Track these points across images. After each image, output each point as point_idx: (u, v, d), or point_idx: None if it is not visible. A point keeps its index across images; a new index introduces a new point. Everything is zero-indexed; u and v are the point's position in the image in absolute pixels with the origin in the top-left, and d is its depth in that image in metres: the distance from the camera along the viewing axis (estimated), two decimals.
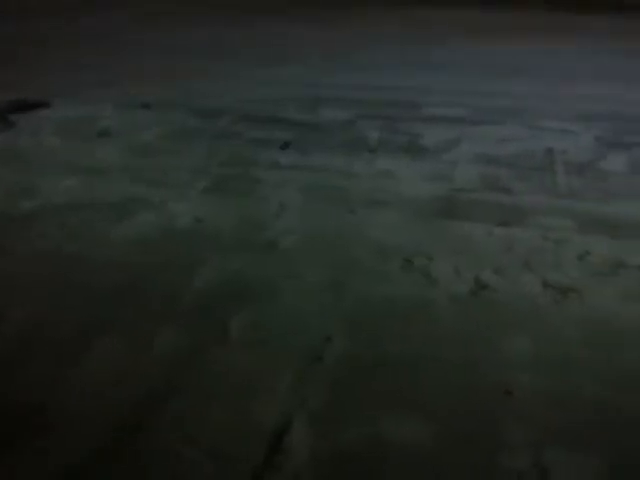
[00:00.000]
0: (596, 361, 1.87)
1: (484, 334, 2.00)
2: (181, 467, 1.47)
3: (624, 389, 1.75)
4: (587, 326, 2.03)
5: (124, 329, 1.98)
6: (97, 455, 1.49)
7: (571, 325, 2.04)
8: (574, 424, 1.62)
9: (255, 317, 2.07)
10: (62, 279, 2.28)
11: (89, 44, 7.25)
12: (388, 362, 1.86)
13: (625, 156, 3.37)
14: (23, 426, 1.59)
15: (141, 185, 3.12)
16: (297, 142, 3.74)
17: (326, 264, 2.41)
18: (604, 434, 1.59)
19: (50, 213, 2.81)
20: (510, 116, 4.07)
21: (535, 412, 1.67)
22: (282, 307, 2.13)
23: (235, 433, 1.57)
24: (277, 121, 4.16)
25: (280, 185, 3.14)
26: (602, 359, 1.88)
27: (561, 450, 1.54)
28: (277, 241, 2.58)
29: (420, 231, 2.69)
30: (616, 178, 3.12)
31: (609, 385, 1.77)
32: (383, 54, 6.28)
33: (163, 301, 2.15)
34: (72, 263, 2.40)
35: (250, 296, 2.19)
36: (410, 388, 1.76)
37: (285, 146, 3.68)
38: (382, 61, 5.94)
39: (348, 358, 1.88)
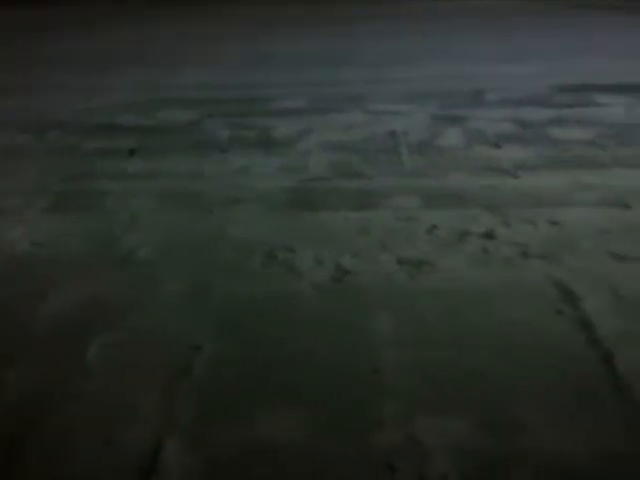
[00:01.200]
0: (452, 327, 1.99)
1: (349, 318, 2.06)
2: None
3: (477, 350, 1.88)
4: (440, 295, 2.16)
5: None
6: None
7: (427, 296, 2.15)
8: (439, 391, 1.72)
9: (116, 338, 1.96)
10: None
11: None
12: (258, 361, 1.85)
13: (459, 130, 3.62)
14: None
15: None
16: (143, 148, 3.60)
17: (187, 270, 2.34)
18: (467, 396, 1.70)
19: None
20: (352, 103, 4.21)
21: (402, 386, 1.74)
22: (144, 323, 2.04)
23: (104, 464, 1.48)
24: (117, 129, 3.96)
25: (130, 195, 2.99)
26: (457, 324, 2.01)
27: (430, 418, 1.62)
28: (131, 255, 2.46)
29: (280, 224, 2.70)
30: (454, 152, 3.34)
31: (465, 348, 1.89)
32: (221, 52, 6.20)
33: (12, 337, 1.96)
34: None
35: (108, 317, 2.07)
36: (282, 384, 1.76)
37: (131, 153, 3.52)
38: (221, 59, 5.87)
39: (218, 364, 1.84)
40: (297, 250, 2.47)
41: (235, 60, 5.56)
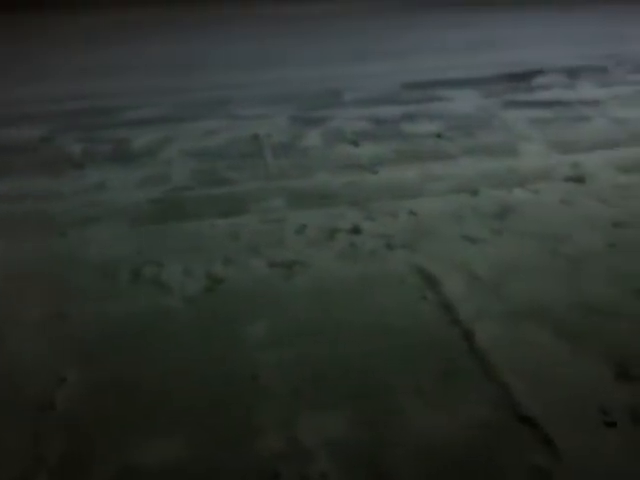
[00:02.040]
0: (325, 323, 2.03)
1: (225, 327, 2.03)
2: None
3: (350, 343, 1.94)
4: (313, 293, 2.19)
5: None
6: None
7: (300, 296, 2.18)
8: (317, 390, 1.74)
9: None
10: None
11: None
12: (128, 386, 1.77)
13: (319, 130, 3.70)
14: None
15: None
16: None
17: (42, 299, 2.18)
18: (344, 391, 1.74)
19: None
20: (211, 108, 4.15)
21: (281, 389, 1.75)
22: (2, 360, 1.87)
23: None
24: None
25: None
26: (330, 320, 2.05)
27: (310, 418, 1.64)
28: None
29: (144, 239, 2.60)
30: (315, 152, 3.41)
31: (339, 343, 1.94)
32: (62, 60, 5.82)
33: None
34: None
35: None
36: (157, 406, 1.69)
37: None
38: (61, 69, 5.51)
39: (85, 394, 1.73)
40: (165, 264, 2.39)
41: (83, 69, 5.26)
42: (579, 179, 2.89)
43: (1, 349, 1.92)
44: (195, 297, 2.19)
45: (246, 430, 1.60)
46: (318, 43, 5.72)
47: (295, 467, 1.49)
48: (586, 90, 4.15)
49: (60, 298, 2.18)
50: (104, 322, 2.05)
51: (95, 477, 1.46)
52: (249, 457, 1.52)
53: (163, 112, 4.17)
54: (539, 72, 4.55)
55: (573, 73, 4.48)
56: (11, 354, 1.90)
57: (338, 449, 1.54)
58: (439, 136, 3.52)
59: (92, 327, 2.03)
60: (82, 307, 2.13)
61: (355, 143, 3.50)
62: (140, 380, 1.79)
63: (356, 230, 2.59)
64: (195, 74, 4.99)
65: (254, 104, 4.20)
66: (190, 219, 2.75)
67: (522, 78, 4.46)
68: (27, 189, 3.08)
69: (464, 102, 4.09)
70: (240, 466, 1.50)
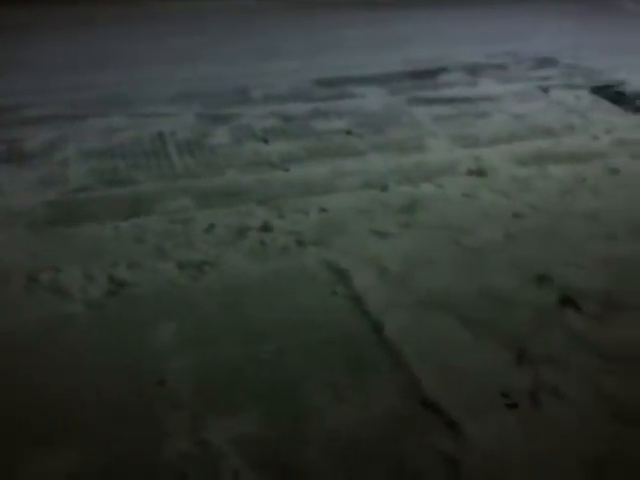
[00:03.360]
0: (235, 323, 1.99)
1: (130, 332, 1.94)
2: None
3: (262, 341, 1.91)
4: (223, 293, 2.15)
5: None
6: None
7: (210, 297, 2.12)
8: (226, 391, 1.70)
9: None
10: None
11: None
12: (20, 403, 1.65)
13: (227, 128, 3.63)
14: None
15: None
16: None
17: None
18: (255, 391, 1.71)
19: None
20: (111, 106, 3.97)
21: (189, 392, 1.69)
22: None
23: None
24: None
25: None
26: (241, 319, 2.01)
27: (218, 420, 1.60)
28: None
29: (40, 244, 2.44)
30: (223, 150, 3.34)
31: (250, 342, 1.90)
32: None
33: None
34: None
35: None
36: (52, 423, 1.59)
37: None
38: None
39: None
40: (63, 269, 2.26)
41: None
42: (480, 173, 3.00)
43: None
44: (98, 302, 2.08)
45: (153, 436, 1.53)
46: (223, 42, 5.62)
47: (204, 467, 1.44)
48: (487, 87, 4.32)
49: None
50: None
51: None
52: (156, 462, 1.46)
53: (60, 110, 3.94)
54: (443, 69, 4.69)
55: (475, 70, 4.65)
56: None
57: (249, 448, 1.51)
58: (349, 133, 3.55)
59: None
60: None
61: (265, 140, 3.46)
62: (34, 397, 1.67)
63: (266, 228, 2.56)
64: (96, 71, 4.75)
65: (158, 102, 4.05)
66: (90, 222, 2.62)
67: (427, 75, 4.58)
68: None
69: (372, 99, 4.15)
70: (146, 471, 1.43)
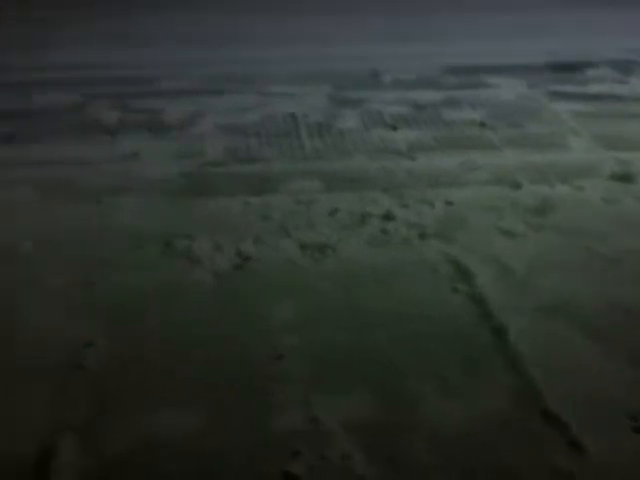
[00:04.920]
0: (352, 308, 2.00)
1: (252, 305, 2.01)
2: None
3: (375, 329, 1.90)
4: (342, 277, 2.16)
5: None
6: None
7: (328, 279, 2.15)
8: (339, 372, 1.72)
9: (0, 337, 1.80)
10: None
11: None
12: (155, 354, 1.77)
13: (356, 112, 3.63)
14: None
15: None
16: (20, 134, 3.31)
17: (74, 264, 2.19)
18: (366, 375, 1.72)
19: None
20: (245, 84, 4.09)
21: (303, 369, 1.73)
22: (28, 319, 1.89)
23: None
24: None
25: (9, 184, 2.76)
26: (357, 305, 2.01)
27: (330, 400, 1.62)
28: (12, 248, 2.27)
29: (175, 212, 2.59)
30: (352, 135, 3.35)
31: (364, 329, 1.90)
32: (94, 28, 5.76)
33: None
34: None
35: None
36: (180, 376, 1.69)
37: (9, 139, 3.24)
38: (94, 36, 5.46)
39: (111, 360, 1.74)
40: (196, 238, 2.38)
41: (109, 37, 5.21)
42: (626, 178, 2.78)
43: (25, 313, 1.93)
44: (224, 273, 2.18)
45: (265, 407, 1.59)
46: (355, 21, 5.59)
47: (315, 447, 1.47)
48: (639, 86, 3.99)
49: (90, 265, 2.19)
50: (132, 290, 2.05)
51: (117, 440, 1.47)
52: (267, 433, 1.51)
53: (195, 85, 4.12)
54: (588, 63, 4.38)
55: (627, 67, 4.30)
56: (34, 318, 1.91)
57: (358, 430, 1.52)
58: (482, 125, 3.42)
59: (119, 295, 2.03)
60: (110, 274, 2.13)
61: (394, 127, 3.42)
62: (167, 349, 1.78)
63: (389, 216, 2.54)
64: (226, 47, 4.91)
65: (288, 81, 4.12)
66: (222, 195, 2.73)
67: (570, 69, 4.30)
68: (60, 155, 3.08)
69: (508, 90, 3.97)
70: (258, 441, 1.48)
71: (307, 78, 4.21)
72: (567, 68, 4.38)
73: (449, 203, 2.63)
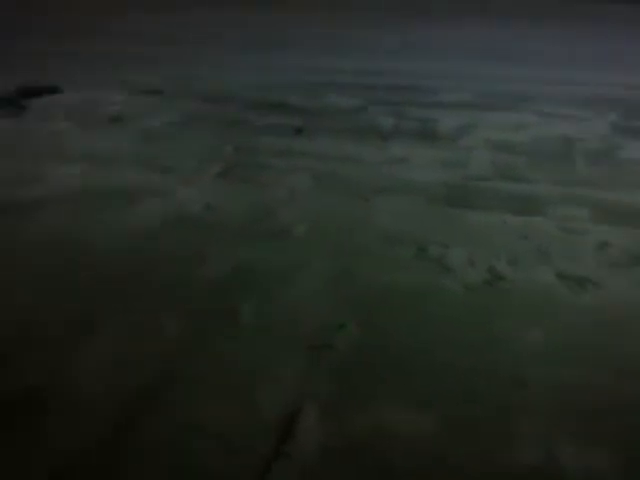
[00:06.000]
0: (610, 352, 1.82)
1: (498, 325, 1.96)
2: (187, 456, 1.44)
3: (637, 381, 1.71)
4: (601, 317, 1.98)
5: (129, 315, 1.95)
6: (97, 441, 1.47)
7: (586, 315, 1.99)
8: (586, 416, 1.58)
9: (264, 305, 2.04)
10: (69, 266, 2.26)
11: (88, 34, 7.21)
12: (400, 351, 1.83)
13: None
14: (22, 409, 1.57)
15: (151, 171, 3.09)
16: (307, 129, 3.70)
17: (337, 252, 2.37)
18: (615, 424, 1.55)
19: (58, 200, 2.79)
20: (519, 101, 3.98)
21: (545, 405, 1.63)
22: (291, 295, 2.10)
23: (242, 422, 1.55)
24: (285, 107, 4.11)
25: (291, 172, 3.10)
26: (617, 350, 1.83)
27: (574, 442, 1.50)
28: (287, 229, 2.55)
29: (434, 219, 2.64)
30: (636, 167, 3.05)
31: (624, 377, 1.72)
32: (381, 38, 6.10)
33: (170, 289, 2.12)
34: (79, 250, 2.37)
35: (259, 284, 2.16)
36: (421, 378, 1.72)
37: (298, 132, 3.64)
38: (375, 45, 5.77)
39: (359, 346, 1.84)
40: (450, 247, 2.40)
41: (393, 47, 5.48)
42: None
43: (292, 286, 2.15)
44: (475, 287, 2.16)
45: (503, 430, 1.54)
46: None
47: None
48: None
49: (350, 255, 2.35)
50: (385, 286, 2.15)
51: (358, 423, 1.55)
52: (503, 457, 1.46)
53: (470, 98, 4.14)
54: None
55: None
56: (299, 292, 2.11)
57: None
58: None
59: (373, 288, 2.14)
60: (367, 268, 2.26)
61: None
62: (409, 350, 1.83)
63: None
64: (500, 64, 4.83)
65: (564, 103, 3.90)
66: (481, 210, 2.71)
67: None
68: (338, 151, 3.36)
69: None
70: (490, 462, 1.44)
71: (585, 102, 3.94)
72: None
73: None
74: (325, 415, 1.57)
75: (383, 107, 4.06)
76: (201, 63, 5.52)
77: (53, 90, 4.55)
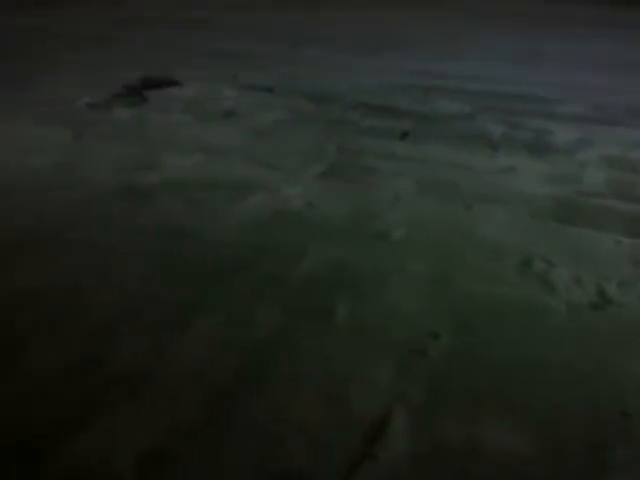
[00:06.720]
0: None
1: (603, 350, 1.87)
2: (275, 448, 1.49)
3: None
4: None
5: (228, 306, 2.04)
6: (189, 426, 1.54)
7: None
8: None
9: (359, 306, 2.06)
10: (175, 253, 2.39)
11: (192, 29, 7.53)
12: (496, 365, 1.79)
13: None
14: (124, 391, 1.68)
15: (259, 167, 3.20)
16: (414, 133, 3.68)
17: (436, 259, 2.35)
18: None
19: (171, 188, 2.95)
20: (637, 117, 3.75)
21: None
22: (387, 298, 2.11)
23: (331, 420, 1.57)
24: (391, 110, 4.11)
25: (395, 175, 3.10)
26: None
27: None
28: (388, 232, 2.55)
29: (539, 234, 2.55)
30: None
31: None
32: (494, 44, 5.94)
33: (269, 282, 2.19)
34: (186, 239, 2.50)
35: (356, 285, 2.18)
36: (517, 395, 1.67)
37: (404, 136, 3.63)
38: (493, 52, 5.63)
39: (453, 356, 1.82)
40: (555, 264, 2.31)
41: (506, 54, 5.32)
42: None
43: (388, 290, 2.15)
44: (579, 308, 2.07)
45: (599, 463, 1.47)
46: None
47: None
48: None
49: (450, 263, 2.32)
50: (483, 297, 2.11)
51: (449, 431, 1.54)
52: None
53: (586, 111, 3.95)
54: None
55: None
56: (395, 297, 2.11)
57: None
58: None
59: (471, 299, 2.11)
60: (467, 278, 2.22)
61: None
62: (506, 365, 1.79)
63: None
64: (616, 76, 4.55)
65: None
66: (591, 228, 2.59)
67: None
68: (443, 157, 3.32)
69: None
70: None
71: None
72: None
73: None
74: (416, 421, 1.57)
75: (493, 114, 3.96)
76: (312, 63, 5.62)
77: (172, 83, 4.81)
